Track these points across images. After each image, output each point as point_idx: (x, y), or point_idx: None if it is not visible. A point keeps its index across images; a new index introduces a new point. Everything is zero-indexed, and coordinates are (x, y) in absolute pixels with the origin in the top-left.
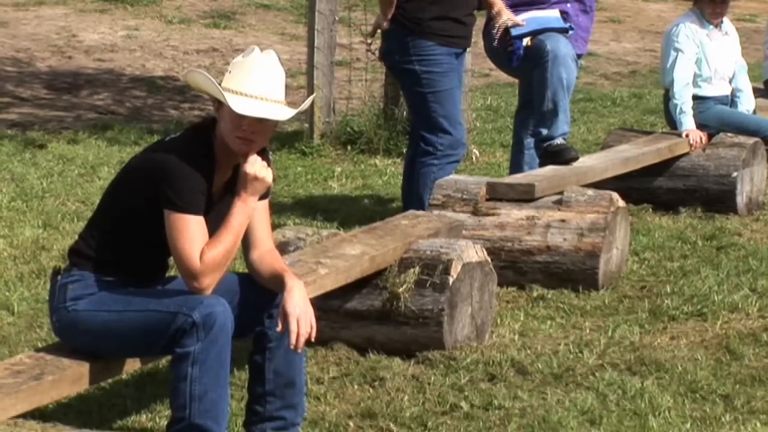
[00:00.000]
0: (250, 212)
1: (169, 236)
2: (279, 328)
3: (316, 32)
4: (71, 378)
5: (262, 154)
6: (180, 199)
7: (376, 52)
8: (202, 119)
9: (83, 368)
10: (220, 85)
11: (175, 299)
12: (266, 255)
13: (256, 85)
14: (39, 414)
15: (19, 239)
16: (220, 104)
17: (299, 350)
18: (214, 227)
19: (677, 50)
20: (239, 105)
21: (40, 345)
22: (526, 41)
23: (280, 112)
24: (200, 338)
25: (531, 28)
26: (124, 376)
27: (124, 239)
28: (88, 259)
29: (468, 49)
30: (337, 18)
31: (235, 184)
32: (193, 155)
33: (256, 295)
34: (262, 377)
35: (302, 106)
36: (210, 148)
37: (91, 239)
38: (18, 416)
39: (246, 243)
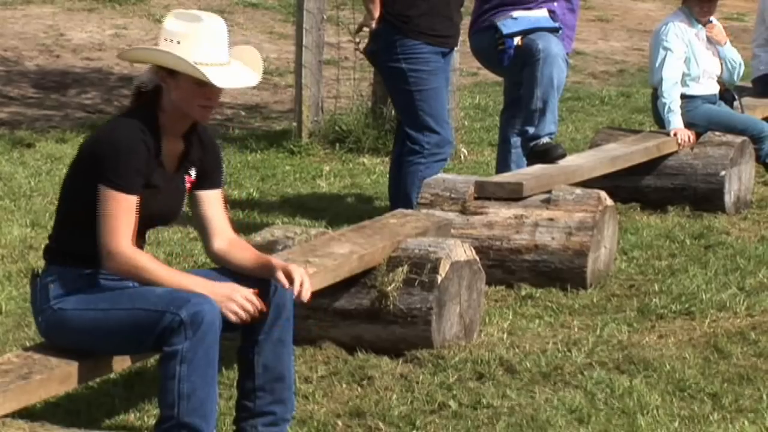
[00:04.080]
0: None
1: (99, 211)
2: (284, 284)
3: (304, 31)
4: (59, 377)
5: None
6: (116, 176)
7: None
8: (138, 92)
9: (71, 367)
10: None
11: (163, 298)
12: (237, 243)
13: (221, 52)
14: (27, 413)
15: (7, 238)
16: (170, 76)
17: (304, 298)
18: (167, 201)
19: (666, 49)
20: (219, 78)
21: (28, 344)
22: (516, 40)
23: (252, 75)
24: (188, 336)
25: (522, 27)
26: (112, 375)
27: (92, 228)
28: (63, 255)
29: (456, 48)
30: (325, 17)
31: (190, 157)
32: (136, 130)
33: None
34: (251, 372)
35: (258, 65)
36: (154, 121)
37: (60, 235)
38: (6, 415)
39: (205, 233)
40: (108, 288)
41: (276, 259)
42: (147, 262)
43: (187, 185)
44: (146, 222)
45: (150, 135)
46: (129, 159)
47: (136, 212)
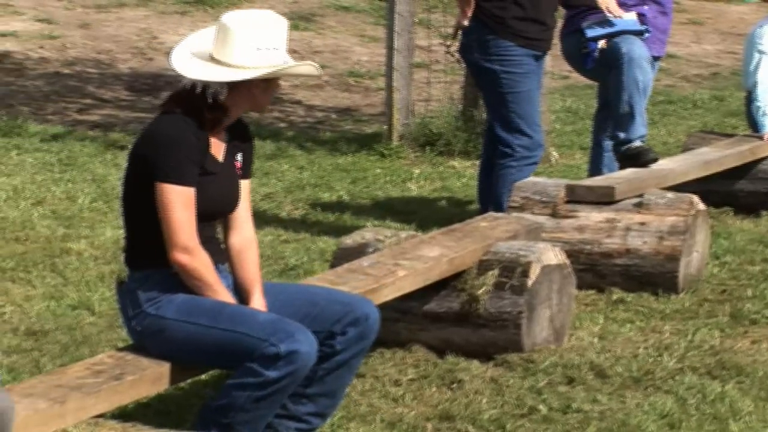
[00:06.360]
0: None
1: (159, 207)
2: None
3: (395, 34)
4: (151, 378)
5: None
6: (169, 170)
7: (456, 54)
8: (177, 94)
9: (163, 368)
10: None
11: (266, 327)
12: (247, 251)
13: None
14: (119, 413)
15: (100, 240)
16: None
17: None
18: (225, 187)
19: (761, 52)
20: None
21: (120, 345)
22: (600, 44)
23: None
24: (278, 368)
25: (606, 31)
26: (203, 377)
27: (160, 228)
28: (143, 257)
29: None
30: (416, 20)
31: (235, 143)
32: (180, 123)
33: (335, 310)
34: (308, 379)
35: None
36: (200, 118)
37: (133, 242)
38: (98, 416)
39: (226, 223)
40: (210, 302)
41: (258, 294)
42: (199, 272)
43: (238, 172)
44: (210, 210)
45: (195, 128)
46: (179, 150)
47: (196, 203)
